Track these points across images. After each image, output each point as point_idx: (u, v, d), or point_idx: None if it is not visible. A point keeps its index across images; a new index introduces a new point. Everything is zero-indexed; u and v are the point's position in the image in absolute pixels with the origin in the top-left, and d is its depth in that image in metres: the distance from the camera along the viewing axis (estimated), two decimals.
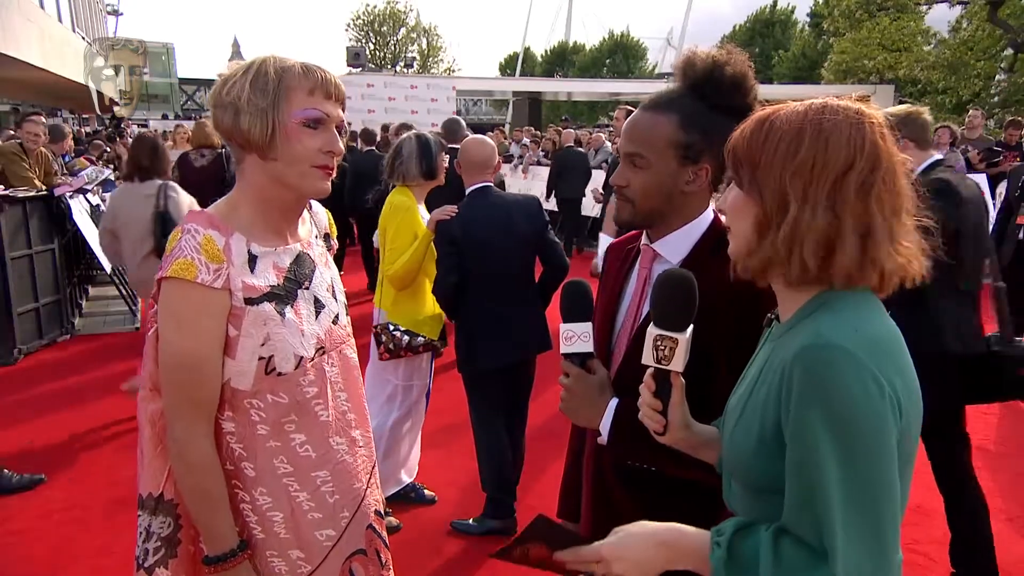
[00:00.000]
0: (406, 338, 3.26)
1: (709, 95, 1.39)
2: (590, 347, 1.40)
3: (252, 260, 1.38)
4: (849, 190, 0.98)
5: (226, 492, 1.38)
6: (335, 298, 1.55)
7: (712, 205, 1.49)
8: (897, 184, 1.00)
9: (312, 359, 1.44)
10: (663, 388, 1.15)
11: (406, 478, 3.59)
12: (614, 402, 1.39)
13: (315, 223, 1.61)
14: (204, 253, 1.31)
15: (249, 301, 1.35)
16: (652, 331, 1.13)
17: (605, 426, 1.39)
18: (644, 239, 1.51)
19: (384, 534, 1.64)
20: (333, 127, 1.40)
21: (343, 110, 1.45)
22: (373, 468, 1.63)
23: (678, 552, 1.08)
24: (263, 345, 1.37)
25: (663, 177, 1.41)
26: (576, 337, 1.39)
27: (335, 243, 1.68)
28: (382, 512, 1.65)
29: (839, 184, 0.98)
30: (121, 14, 38.33)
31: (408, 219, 3.30)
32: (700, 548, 1.05)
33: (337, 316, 1.55)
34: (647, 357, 1.13)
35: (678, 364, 1.12)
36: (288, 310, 1.40)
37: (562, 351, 1.41)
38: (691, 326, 1.14)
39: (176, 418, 1.35)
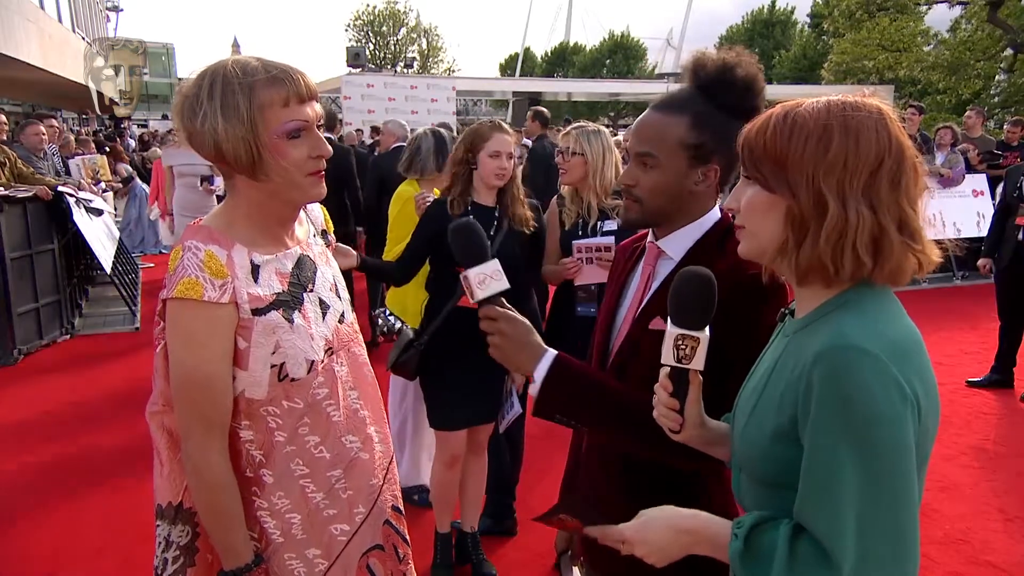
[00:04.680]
0: (398, 324, 3.30)
1: (719, 97, 1.39)
2: (505, 282, 1.35)
3: (255, 270, 1.37)
4: (883, 185, 0.99)
5: (241, 507, 1.38)
6: (339, 296, 1.55)
7: (719, 204, 1.49)
8: (916, 176, 1.02)
9: (322, 361, 1.44)
10: (681, 387, 1.15)
11: (426, 476, 3.55)
12: (552, 353, 1.36)
13: (311, 221, 1.59)
14: (208, 270, 1.30)
15: (256, 312, 1.34)
16: (673, 331, 1.12)
17: (540, 374, 1.34)
18: (650, 236, 1.51)
19: (402, 529, 1.63)
20: (315, 128, 1.38)
21: (317, 102, 1.40)
22: (390, 464, 1.63)
23: (698, 538, 1.10)
24: (274, 353, 1.37)
25: (672, 177, 1.41)
26: (488, 277, 1.33)
27: (332, 238, 1.67)
28: (400, 508, 1.65)
29: (873, 180, 0.98)
30: (121, 10, 38.39)
31: (408, 208, 3.44)
32: (719, 536, 1.06)
33: (343, 314, 1.54)
34: (667, 357, 1.13)
35: (699, 363, 1.12)
36: (296, 315, 1.40)
37: (479, 297, 1.34)
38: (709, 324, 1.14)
39: (189, 435, 1.35)
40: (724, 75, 1.40)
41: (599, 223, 3.00)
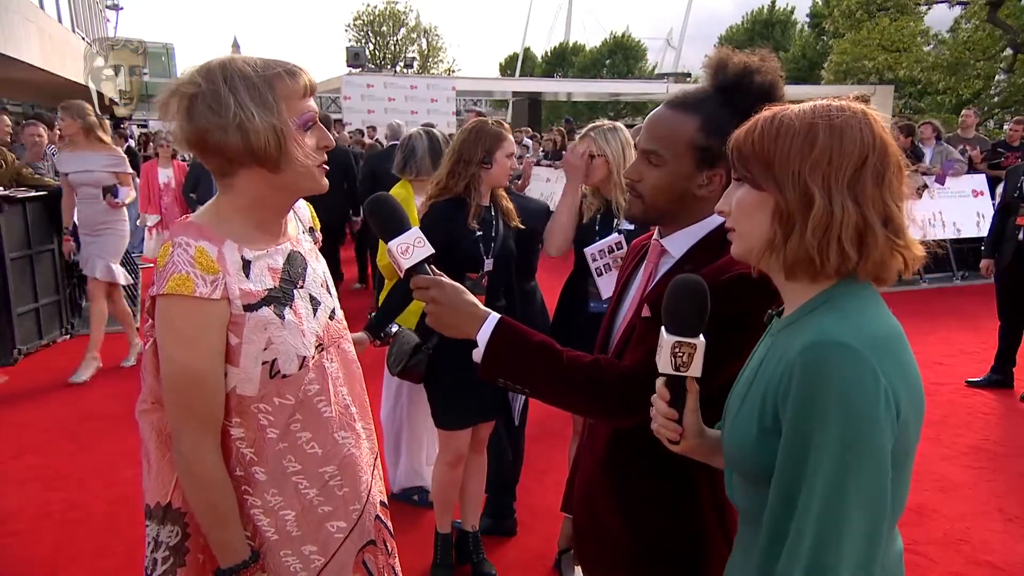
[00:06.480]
0: (394, 327, 3.29)
1: (735, 100, 1.38)
2: (429, 247, 1.36)
3: (246, 266, 1.36)
4: (867, 181, 1.01)
5: (236, 504, 1.38)
6: (329, 292, 1.55)
7: None
8: (900, 175, 1.04)
9: (313, 357, 1.44)
10: (678, 396, 1.16)
11: (426, 476, 3.54)
12: (495, 316, 1.36)
13: (299, 219, 1.60)
14: (199, 265, 1.30)
15: (248, 308, 1.34)
16: (669, 339, 1.12)
17: (483, 337, 1.34)
18: (655, 235, 1.52)
19: (389, 524, 1.65)
20: (319, 120, 1.41)
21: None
22: (376, 460, 1.64)
23: None
24: (265, 349, 1.37)
25: (677, 178, 1.41)
26: (411, 246, 1.33)
27: (319, 235, 1.67)
28: (386, 503, 1.67)
29: (858, 175, 1.01)
30: (121, 8, 38.34)
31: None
32: None
33: (333, 311, 1.55)
34: (664, 365, 1.13)
35: (696, 370, 1.13)
36: (287, 311, 1.40)
37: (406, 267, 1.34)
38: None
39: (182, 434, 1.34)
40: (743, 79, 1.39)
41: (618, 220, 2.99)
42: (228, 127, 1.29)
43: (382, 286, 3.70)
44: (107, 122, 5.67)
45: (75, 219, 5.31)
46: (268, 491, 1.42)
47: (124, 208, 5.37)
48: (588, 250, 2.92)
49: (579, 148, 2.94)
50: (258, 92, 1.30)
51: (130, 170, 5.42)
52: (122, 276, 5.45)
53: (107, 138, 5.30)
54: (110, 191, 5.17)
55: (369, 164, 7.23)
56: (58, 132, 8.48)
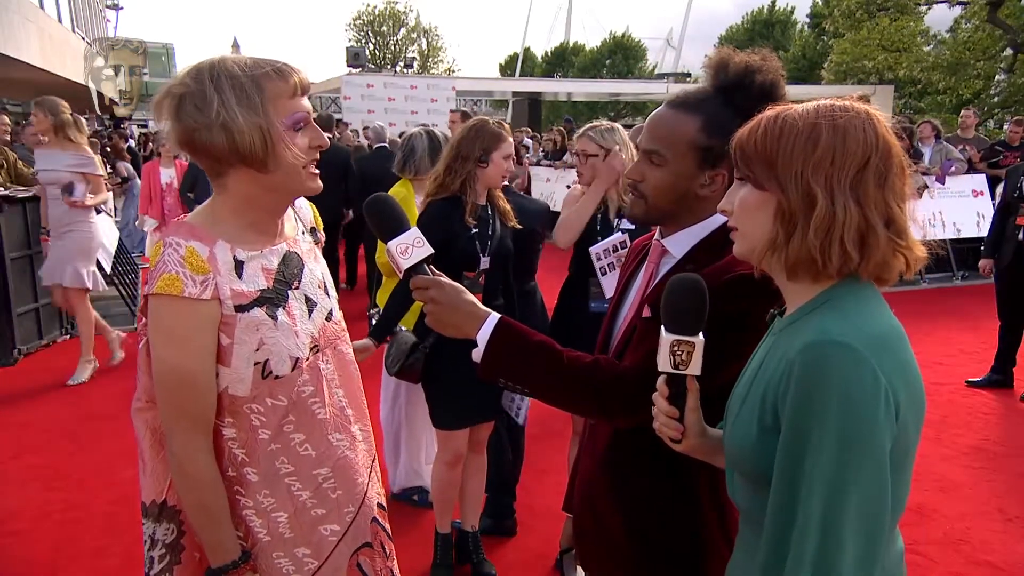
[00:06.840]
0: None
1: (737, 100, 1.38)
2: (429, 247, 1.36)
3: (239, 266, 1.36)
4: (869, 182, 1.01)
5: (227, 504, 1.38)
6: (327, 293, 1.54)
7: None
8: (903, 176, 1.04)
9: (307, 358, 1.44)
10: (678, 394, 1.16)
11: (426, 476, 3.54)
12: (495, 316, 1.36)
13: (300, 219, 1.59)
14: (188, 266, 1.30)
15: (239, 308, 1.34)
16: (668, 337, 1.13)
17: (484, 337, 1.34)
18: (657, 235, 1.52)
19: (387, 526, 1.65)
20: (312, 119, 1.40)
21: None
22: (373, 462, 1.63)
23: None
24: (257, 350, 1.36)
25: (678, 178, 1.41)
26: (410, 246, 1.34)
27: (322, 235, 1.67)
28: (383, 504, 1.66)
29: (860, 176, 1.01)
30: (121, 8, 38.41)
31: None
32: None
33: (330, 312, 1.54)
34: (663, 364, 1.14)
35: (695, 368, 1.13)
36: (280, 312, 1.39)
37: (405, 267, 1.35)
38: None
39: (174, 433, 1.35)
40: (744, 78, 1.38)
41: (617, 220, 3.00)
42: (212, 126, 1.29)
43: (379, 284, 3.70)
44: (83, 121, 5.34)
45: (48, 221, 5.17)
46: (260, 492, 1.42)
47: (91, 209, 5.10)
48: (593, 249, 2.92)
49: (623, 155, 2.93)
50: (244, 92, 1.30)
51: (99, 172, 5.14)
52: (89, 279, 5.10)
53: (80, 138, 5.05)
54: (67, 189, 4.91)
55: (359, 167, 7.27)
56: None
